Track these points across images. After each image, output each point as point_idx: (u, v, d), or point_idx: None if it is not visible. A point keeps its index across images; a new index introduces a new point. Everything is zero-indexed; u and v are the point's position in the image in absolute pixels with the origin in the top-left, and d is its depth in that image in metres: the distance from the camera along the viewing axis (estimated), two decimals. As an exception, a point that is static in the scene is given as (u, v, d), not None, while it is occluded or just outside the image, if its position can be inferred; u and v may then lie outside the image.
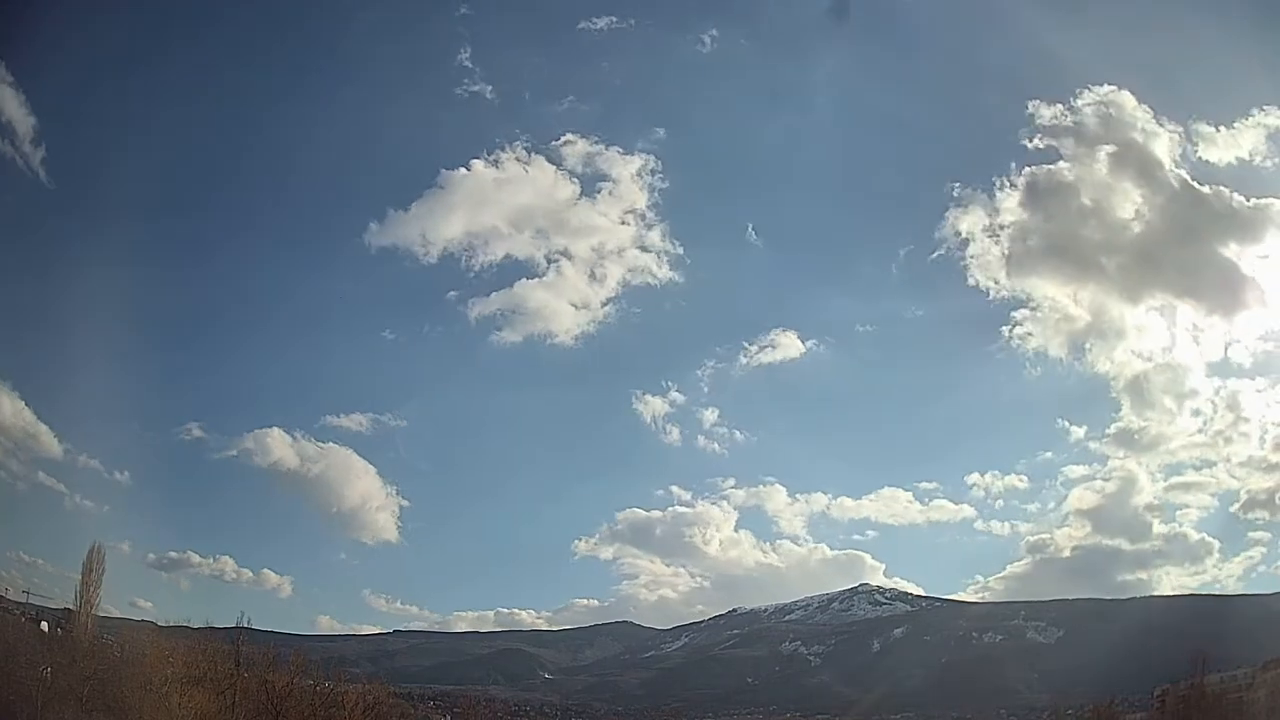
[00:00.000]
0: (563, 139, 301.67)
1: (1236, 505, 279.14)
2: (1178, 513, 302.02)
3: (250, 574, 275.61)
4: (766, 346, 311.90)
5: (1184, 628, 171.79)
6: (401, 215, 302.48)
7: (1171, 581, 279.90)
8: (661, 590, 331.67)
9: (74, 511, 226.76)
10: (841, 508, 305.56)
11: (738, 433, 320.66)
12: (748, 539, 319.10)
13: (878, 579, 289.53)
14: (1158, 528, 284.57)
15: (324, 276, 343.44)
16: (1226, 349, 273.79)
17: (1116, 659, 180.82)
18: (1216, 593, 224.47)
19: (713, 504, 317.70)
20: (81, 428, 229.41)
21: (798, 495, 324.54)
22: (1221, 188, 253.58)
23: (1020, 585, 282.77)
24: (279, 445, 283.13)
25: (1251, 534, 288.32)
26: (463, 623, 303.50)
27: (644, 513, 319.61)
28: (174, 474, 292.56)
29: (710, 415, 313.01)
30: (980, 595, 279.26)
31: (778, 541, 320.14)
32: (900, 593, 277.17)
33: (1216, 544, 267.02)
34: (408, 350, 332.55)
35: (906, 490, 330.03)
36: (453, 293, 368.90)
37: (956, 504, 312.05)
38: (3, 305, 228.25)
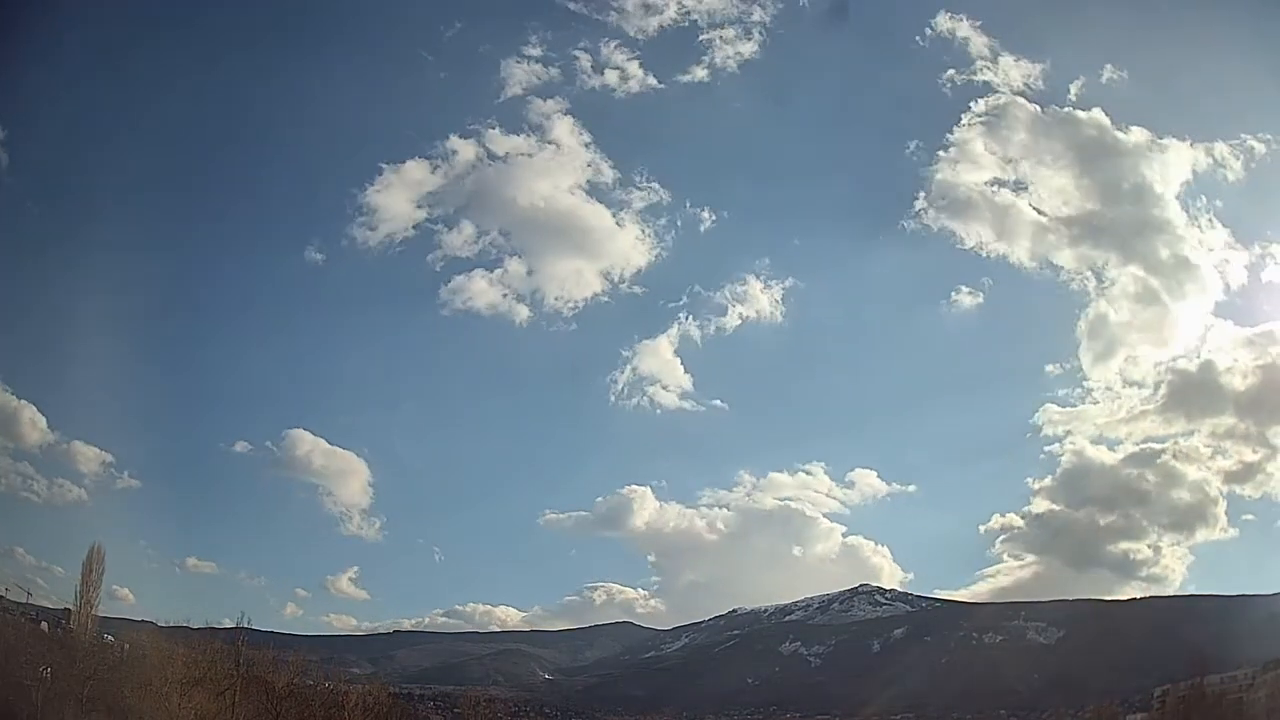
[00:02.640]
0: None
1: (1214, 479, 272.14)
2: (1155, 481, 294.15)
3: (219, 567, 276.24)
4: (714, 318, 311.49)
5: (1184, 628, 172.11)
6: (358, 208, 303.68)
7: (1168, 551, 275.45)
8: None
9: (51, 501, 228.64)
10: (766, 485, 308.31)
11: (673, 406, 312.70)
12: (674, 510, 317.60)
13: (836, 540, 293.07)
14: (1140, 494, 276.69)
15: (298, 274, 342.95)
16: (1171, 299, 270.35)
17: (1117, 659, 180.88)
18: (1216, 593, 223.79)
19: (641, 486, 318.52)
20: (71, 419, 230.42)
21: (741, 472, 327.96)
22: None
23: (1008, 572, 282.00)
24: (253, 442, 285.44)
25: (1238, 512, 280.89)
26: (445, 620, 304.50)
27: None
28: (156, 469, 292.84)
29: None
30: (979, 595, 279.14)
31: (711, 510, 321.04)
32: (901, 593, 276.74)
33: (1209, 512, 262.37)
34: (384, 347, 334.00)
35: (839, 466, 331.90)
36: (416, 285, 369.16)
37: (890, 482, 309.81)
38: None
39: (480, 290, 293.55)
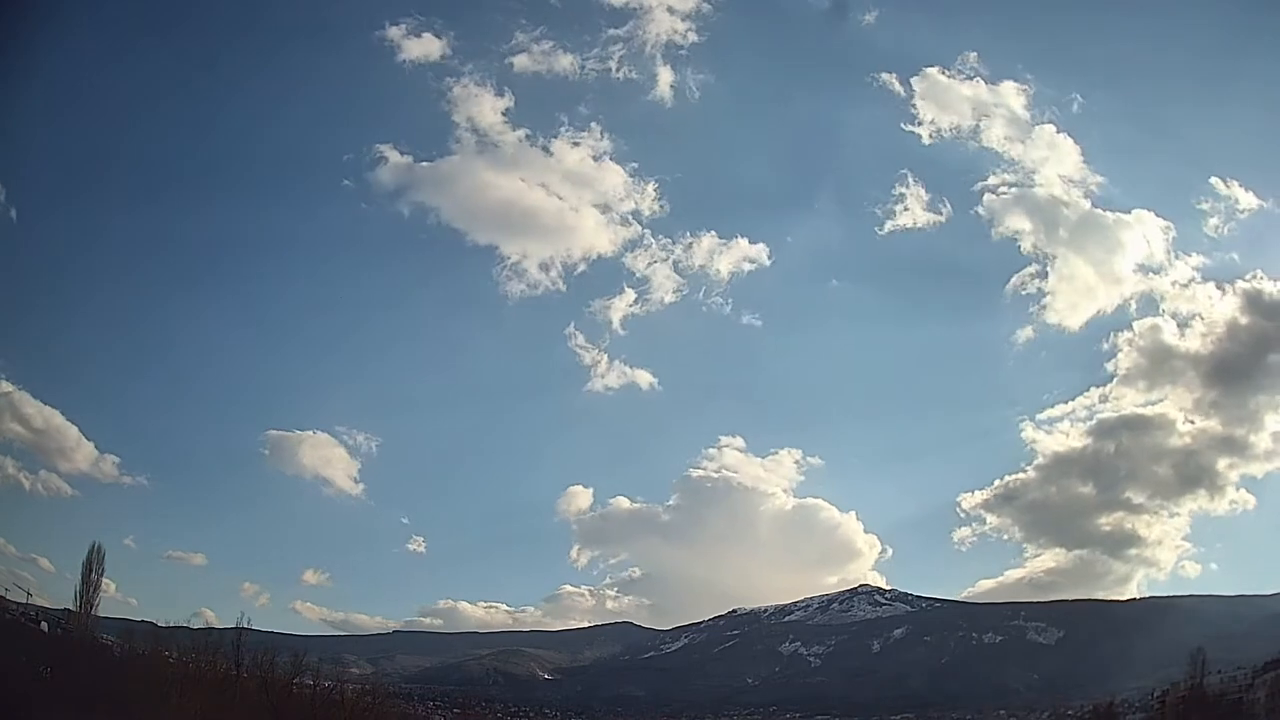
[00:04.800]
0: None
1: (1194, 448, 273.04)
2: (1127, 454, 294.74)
3: (204, 559, 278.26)
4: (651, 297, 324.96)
5: (1184, 628, 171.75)
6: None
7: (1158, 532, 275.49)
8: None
9: (35, 493, 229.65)
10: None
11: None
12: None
13: (794, 507, 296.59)
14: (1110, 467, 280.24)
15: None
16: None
17: (1116, 659, 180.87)
18: (1216, 593, 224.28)
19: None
20: (60, 412, 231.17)
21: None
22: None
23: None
24: (243, 438, 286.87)
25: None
26: (444, 621, 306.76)
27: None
28: (145, 463, 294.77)
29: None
30: (979, 595, 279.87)
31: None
32: (900, 593, 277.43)
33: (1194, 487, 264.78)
34: (375, 343, 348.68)
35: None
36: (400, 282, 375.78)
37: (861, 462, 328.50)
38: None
39: (444, 288, 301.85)
